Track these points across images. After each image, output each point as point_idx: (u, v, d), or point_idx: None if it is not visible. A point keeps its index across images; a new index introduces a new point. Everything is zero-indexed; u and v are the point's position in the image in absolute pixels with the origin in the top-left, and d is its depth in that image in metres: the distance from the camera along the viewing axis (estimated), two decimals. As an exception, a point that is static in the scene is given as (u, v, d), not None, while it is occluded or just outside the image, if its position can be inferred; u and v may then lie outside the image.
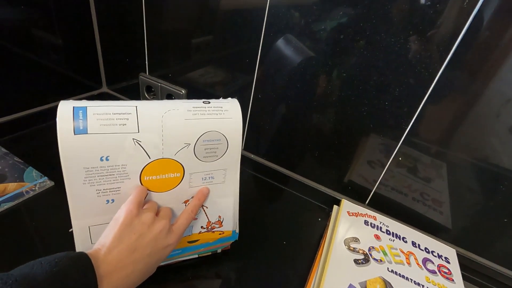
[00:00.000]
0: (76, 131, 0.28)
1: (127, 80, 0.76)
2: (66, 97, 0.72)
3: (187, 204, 0.36)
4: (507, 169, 0.43)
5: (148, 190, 0.33)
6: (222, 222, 0.39)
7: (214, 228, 0.39)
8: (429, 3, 0.39)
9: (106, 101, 0.31)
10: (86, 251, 0.27)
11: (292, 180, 0.62)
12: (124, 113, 0.30)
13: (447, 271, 0.44)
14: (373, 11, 0.42)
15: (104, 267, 0.27)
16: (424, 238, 0.49)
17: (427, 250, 0.47)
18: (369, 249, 0.45)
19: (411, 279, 0.41)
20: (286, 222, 0.52)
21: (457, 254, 0.47)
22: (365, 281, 0.40)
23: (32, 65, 0.63)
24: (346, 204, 0.53)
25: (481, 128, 0.42)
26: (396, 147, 0.49)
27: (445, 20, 0.39)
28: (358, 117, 0.50)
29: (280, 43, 0.51)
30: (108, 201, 0.32)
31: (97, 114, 0.29)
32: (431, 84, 0.42)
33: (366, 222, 0.50)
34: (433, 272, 0.43)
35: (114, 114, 0.30)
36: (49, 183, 0.49)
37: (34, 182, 0.48)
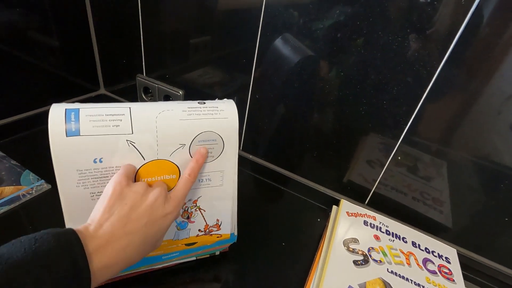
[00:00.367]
0: (69, 133, 0.28)
1: (125, 81, 0.75)
2: (64, 99, 0.72)
3: (184, 207, 0.36)
4: (508, 167, 0.42)
5: None
6: (220, 226, 0.39)
7: (212, 232, 0.39)
8: (427, 0, 0.38)
9: (99, 103, 0.31)
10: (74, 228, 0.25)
11: (291, 181, 0.62)
12: (117, 114, 0.30)
13: (447, 271, 0.43)
14: (370, 9, 0.42)
15: (94, 242, 0.25)
16: (424, 238, 0.49)
17: (427, 250, 0.46)
18: (369, 250, 0.44)
19: (411, 280, 0.41)
20: (285, 223, 0.52)
21: (458, 254, 0.47)
22: (365, 283, 0.39)
23: (29, 67, 0.63)
24: (345, 204, 0.53)
25: (482, 126, 0.42)
26: (395, 146, 0.49)
27: (443, 18, 0.38)
28: (356, 117, 0.49)
29: (278, 42, 0.51)
30: None
31: (90, 115, 0.29)
32: (429, 83, 0.42)
33: (365, 223, 0.49)
34: (433, 272, 0.43)
35: (107, 115, 0.29)
36: (46, 186, 0.49)
37: (31, 186, 0.48)
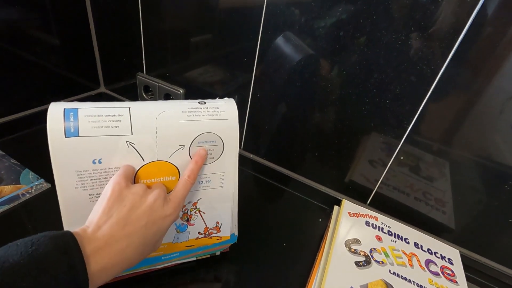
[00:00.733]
0: (67, 134, 0.27)
1: (125, 80, 0.75)
2: (64, 97, 0.72)
3: (183, 209, 0.35)
4: (511, 167, 0.42)
5: None
6: (220, 228, 0.38)
7: (211, 234, 0.38)
8: (431, -2, 0.38)
9: (99, 102, 0.30)
10: (72, 230, 0.25)
11: (292, 180, 0.61)
12: (116, 115, 0.29)
13: (450, 272, 0.43)
14: (373, 7, 0.41)
15: (92, 245, 0.24)
16: (427, 239, 0.48)
17: (430, 251, 0.46)
18: (371, 251, 0.44)
19: (414, 282, 0.40)
20: (286, 223, 0.51)
21: (461, 255, 0.46)
22: (367, 284, 0.39)
23: (29, 66, 0.62)
24: (347, 205, 0.52)
25: (484, 126, 0.41)
26: (397, 146, 0.48)
27: (448, 16, 0.38)
28: (359, 116, 0.49)
29: (279, 41, 0.50)
30: None
31: (89, 116, 0.28)
32: (433, 82, 0.41)
33: (367, 223, 0.49)
34: (436, 274, 0.42)
35: (107, 116, 0.29)
36: (45, 185, 0.48)
37: (31, 185, 0.48)
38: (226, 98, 0.37)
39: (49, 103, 0.28)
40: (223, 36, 0.56)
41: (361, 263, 0.42)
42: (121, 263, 0.26)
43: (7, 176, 0.48)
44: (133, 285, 0.37)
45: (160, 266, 0.39)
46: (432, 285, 0.40)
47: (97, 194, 0.30)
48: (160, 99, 0.69)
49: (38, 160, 0.52)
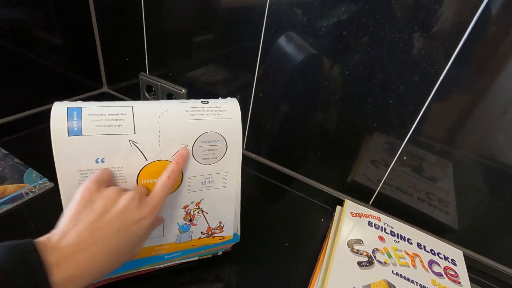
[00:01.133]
0: (71, 133, 0.27)
1: (128, 79, 0.75)
2: (67, 97, 0.72)
3: (186, 210, 0.35)
4: (515, 168, 0.41)
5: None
6: (222, 228, 0.38)
7: (214, 234, 0.38)
8: (434, -3, 0.37)
9: (102, 101, 0.30)
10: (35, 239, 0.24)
11: (294, 180, 0.61)
12: (119, 114, 0.29)
13: (453, 273, 0.43)
14: (376, 7, 0.41)
15: (56, 253, 0.23)
16: (430, 240, 0.48)
17: (433, 252, 0.45)
18: (373, 251, 0.44)
19: (417, 282, 0.40)
20: (288, 223, 0.51)
21: (464, 256, 0.46)
22: (369, 284, 0.39)
23: (32, 65, 0.63)
24: (349, 205, 0.52)
25: (488, 126, 0.41)
26: (400, 146, 0.48)
27: (451, 15, 0.37)
28: (361, 116, 0.49)
29: (281, 40, 0.50)
30: None
31: (92, 115, 0.28)
32: (437, 81, 0.41)
33: (370, 223, 0.49)
34: (439, 274, 0.42)
35: (110, 115, 0.29)
36: (49, 185, 0.49)
37: (34, 184, 0.48)
38: (228, 98, 0.37)
39: (52, 102, 0.28)
40: (226, 36, 0.56)
41: (363, 264, 0.41)
42: (90, 272, 0.24)
43: (10, 175, 0.49)
44: (135, 285, 0.38)
45: (162, 266, 0.39)
46: (435, 286, 0.40)
47: None
48: (162, 98, 0.69)
49: (42, 159, 0.52)
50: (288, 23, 0.48)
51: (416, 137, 0.46)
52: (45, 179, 0.49)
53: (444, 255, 0.45)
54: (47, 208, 0.45)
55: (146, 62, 0.68)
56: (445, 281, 0.41)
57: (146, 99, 0.72)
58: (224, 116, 0.34)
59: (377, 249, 0.44)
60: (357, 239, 0.45)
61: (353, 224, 0.48)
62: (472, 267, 0.46)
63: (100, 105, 0.30)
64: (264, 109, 0.58)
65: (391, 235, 0.47)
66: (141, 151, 0.30)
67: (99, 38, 0.72)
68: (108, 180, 0.29)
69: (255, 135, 0.62)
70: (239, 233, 0.40)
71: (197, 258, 0.41)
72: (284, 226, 0.50)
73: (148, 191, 0.31)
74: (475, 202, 0.46)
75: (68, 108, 0.28)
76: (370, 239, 0.46)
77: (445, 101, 0.42)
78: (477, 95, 0.40)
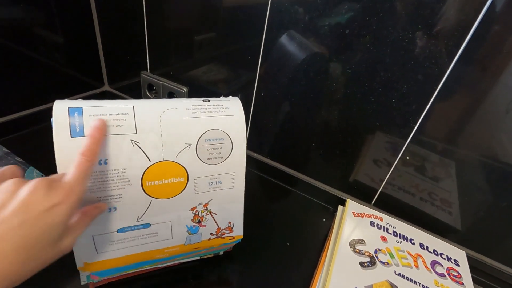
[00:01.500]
0: (73, 134, 0.27)
1: (129, 78, 0.75)
2: (68, 96, 0.72)
3: (194, 211, 0.35)
4: (518, 168, 0.41)
5: (152, 197, 0.31)
6: (232, 228, 0.38)
7: (224, 234, 0.38)
8: (439, -5, 0.37)
9: (102, 100, 0.30)
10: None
11: (296, 180, 0.61)
12: (120, 114, 0.29)
13: (456, 274, 0.42)
14: (379, 5, 0.40)
15: None
16: (433, 240, 0.48)
17: (435, 253, 0.45)
18: (375, 252, 0.43)
19: (419, 283, 0.40)
20: (290, 222, 0.51)
21: (467, 256, 0.46)
22: (371, 285, 0.38)
23: (33, 64, 0.62)
24: (352, 205, 0.52)
25: (491, 126, 0.41)
26: (403, 146, 0.47)
27: (456, 13, 0.37)
28: (364, 115, 0.48)
29: (283, 39, 0.50)
30: (110, 209, 0.30)
31: (94, 115, 0.28)
32: (440, 81, 0.41)
33: (372, 223, 0.48)
34: (442, 275, 0.42)
35: (111, 115, 0.29)
36: (50, 184, 0.48)
37: (35, 183, 0.48)
38: (230, 97, 0.36)
39: (53, 101, 0.28)
40: (227, 35, 0.55)
41: (365, 264, 0.41)
42: None
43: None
44: (136, 284, 0.37)
45: (163, 265, 0.39)
46: (438, 286, 0.40)
47: (104, 196, 0.29)
48: (164, 97, 0.69)
49: (43, 158, 0.52)
50: (290, 21, 0.48)
51: (419, 136, 0.46)
52: (46, 178, 0.49)
53: (447, 256, 0.45)
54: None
55: (147, 60, 0.68)
56: (448, 281, 0.41)
57: (147, 98, 0.72)
58: (226, 113, 0.33)
59: (379, 249, 0.44)
60: (359, 239, 0.45)
61: (355, 224, 0.48)
62: (475, 267, 0.46)
63: (101, 104, 0.29)
64: (266, 108, 0.58)
65: (394, 235, 0.47)
66: (143, 152, 0.30)
67: (100, 37, 0.72)
68: (11, 176, 0.25)
69: (257, 134, 0.62)
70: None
71: (198, 258, 0.41)
72: (286, 226, 0.50)
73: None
74: (478, 202, 0.46)
75: (69, 108, 0.28)
76: (372, 239, 0.45)
77: (448, 101, 0.42)
78: (481, 95, 0.40)
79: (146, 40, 0.65)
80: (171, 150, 0.31)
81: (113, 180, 0.29)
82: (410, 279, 0.40)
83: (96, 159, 0.28)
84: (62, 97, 0.30)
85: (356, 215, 0.50)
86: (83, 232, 0.28)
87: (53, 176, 0.26)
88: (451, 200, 0.48)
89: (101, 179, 0.29)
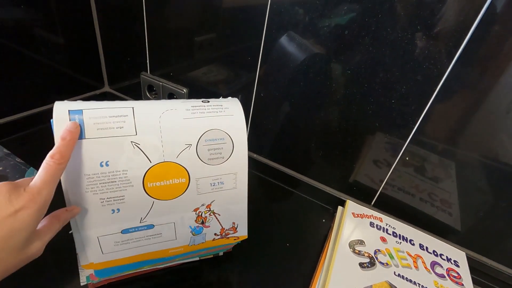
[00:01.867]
0: None
1: (129, 79, 0.75)
2: (68, 97, 0.72)
3: (197, 212, 0.35)
4: (519, 168, 0.41)
5: (154, 198, 0.31)
6: (236, 228, 0.38)
7: (228, 234, 0.38)
8: (438, -4, 0.37)
9: (102, 102, 0.30)
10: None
11: (296, 180, 0.61)
12: (120, 116, 0.29)
13: (456, 275, 0.42)
14: (378, 5, 0.40)
15: None
16: (432, 241, 0.48)
17: (435, 253, 0.45)
18: (375, 252, 0.43)
19: (419, 284, 0.40)
20: (290, 223, 0.51)
21: (467, 257, 0.46)
22: (371, 286, 0.38)
23: (34, 65, 0.63)
24: (351, 205, 0.52)
25: (491, 126, 0.41)
26: (403, 146, 0.48)
27: (455, 14, 0.37)
28: (363, 116, 0.48)
29: (283, 40, 0.50)
30: (113, 210, 0.30)
31: (93, 117, 0.28)
32: (440, 81, 0.41)
33: (371, 224, 0.48)
34: (441, 276, 0.42)
35: (111, 117, 0.29)
36: (50, 184, 0.48)
37: (35, 183, 0.48)
38: (229, 97, 0.37)
39: (53, 102, 0.28)
40: (227, 36, 0.56)
41: (365, 265, 0.41)
42: None
43: (12, 175, 0.49)
44: (136, 285, 0.37)
45: (163, 266, 0.39)
46: (438, 287, 0.40)
47: (107, 198, 0.29)
48: (163, 98, 0.69)
49: (43, 158, 0.52)
50: (290, 22, 0.48)
51: (418, 137, 0.46)
52: (46, 178, 0.49)
53: (446, 257, 0.45)
54: (49, 208, 0.45)
55: (148, 61, 0.68)
56: (448, 282, 0.41)
57: (147, 98, 0.72)
58: (226, 113, 0.33)
59: (379, 250, 0.44)
60: (358, 240, 0.45)
61: (355, 225, 0.48)
62: (475, 268, 0.46)
63: (101, 106, 0.29)
64: (266, 109, 0.58)
65: (393, 236, 0.47)
66: (144, 153, 0.30)
67: (100, 38, 0.72)
68: None
69: (257, 135, 0.62)
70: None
71: (197, 258, 0.41)
72: (285, 227, 0.50)
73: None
74: (478, 203, 0.46)
75: (69, 111, 0.28)
76: (372, 240, 0.45)
77: (448, 101, 0.42)
78: (481, 95, 0.40)
79: (146, 41, 0.65)
80: (172, 151, 0.31)
81: (115, 181, 0.29)
82: (410, 280, 0.40)
83: (66, 162, 0.26)
84: (62, 98, 0.30)
85: (356, 215, 0.50)
86: (52, 237, 0.27)
87: (20, 180, 0.26)
88: (451, 200, 0.48)
89: (103, 180, 0.29)
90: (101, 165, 0.28)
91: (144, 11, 0.61)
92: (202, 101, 0.34)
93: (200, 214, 0.35)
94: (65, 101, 0.29)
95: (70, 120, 0.27)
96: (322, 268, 0.41)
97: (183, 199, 0.33)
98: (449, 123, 0.43)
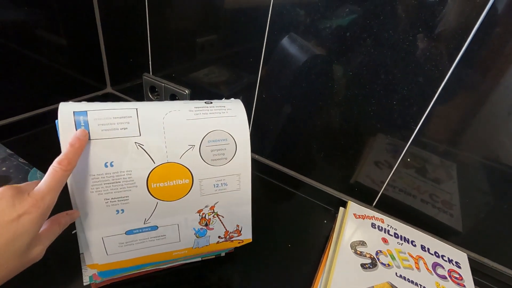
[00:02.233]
0: None
1: (131, 80, 0.75)
2: (71, 97, 0.72)
3: (201, 214, 0.35)
4: (520, 169, 0.41)
5: (157, 199, 0.32)
6: (240, 231, 0.38)
7: (232, 237, 0.38)
8: (439, -2, 0.37)
9: (106, 103, 0.30)
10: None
11: (298, 181, 0.61)
12: (124, 117, 0.29)
13: (458, 276, 0.42)
14: (380, 8, 0.41)
15: None
16: (434, 242, 0.48)
17: (437, 254, 0.45)
18: (377, 253, 0.43)
19: (421, 285, 0.40)
20: (291, 224, 0.51)
21: (469, 259, 0.46)
22: (373, 287, 0.39)
23: (36, 66, 0.63)
24: (353, 206, 0.52)
25: (493, 127, 0.41)
26: (404, 148, 0.48)
27: (457, 16, 0.37)
28: (365, 117, 0.48)
29: (285, 41, 0.50)
30: (118, 211, 0.31)
31: (98, 119, 0.29)
32: (441, 83, 0.41)
33: (373, 225, 0.49)
34: (443, 277, 0.42)
35: (115, 118, 0.29)
36: (53, 185, 0.49)
37: (38, 184, 0.48)
38: (232, 99, 0.37)
39: (56, 103, 0.28)
40: (229, 37, 0.56)
41: (367, 266, 0.41)
42: None
43: (15, 175, 0.49)
44: (137, 285, 0.38)
45: (165, 266, 0.39)
46: (439, 288, 0.40)
47: (112, 198, 0.30)
48: (166, 99, 0.70)
49: (46, 159, 0.52)
50: (292, 24, 0.48)
51: (420, 138, 0.46)
52: (49, 179, 0.50)
53: (448, 258, 0.45)
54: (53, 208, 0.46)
55: (150, 62, 0.68)
56: (449, 283, 0.41)
57: (149, 99, 0.73)
58: (229, 114, 0.33)
59: (380, 251, 0.44)
60: (360, 241, 0.45)
61: (356, 226, 0.48)
62: (476, 269, 0.46)
63: (105, 107, 0.30)
64: (267, 110, 0.58)
65: (395, 237, 0.47)
66: (148, 154, 0.30)
67: (103, 39, 0.72)
68: None
69: (258, 136, 0.62)
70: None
71: (199, 259, 0.41)
72: (287, 228, 0.50)
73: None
74: (480, 204, 0.46)
75: (74, 112, 0.28)
76: (373, 241, 0.45)
77: (449, 103, 0.42)
78: (482, 97, 0.40)
79: (148, 43, 0.65)
80: (175, 151, 0.31)
81: (119, 182, 0.29)
82: (411, 281, 0.40)
83: (73, 169, 0.27)
84: (65, 99, 0.30)
85: (357, 216, 0.50)
86: (53, 240, 0.27)
87: (25, 184, 0.26)
88: (453, 202, 0.48)
89: (108, 181, 0.29)
90: (106, 166, 0.29)
91: (147, 12, 0.62)
92: (205, 102, 0.34)
93: (203, 216, 0.35)
94: (70, 102, 0.29)
95: (75, 121, 0.28)
96: (323, 269, 0.41)
97: (187, 200, 0.33)
98: (450, 124, 0.43)
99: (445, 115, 0.43)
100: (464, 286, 0.41)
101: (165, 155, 0.31)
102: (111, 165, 0.29)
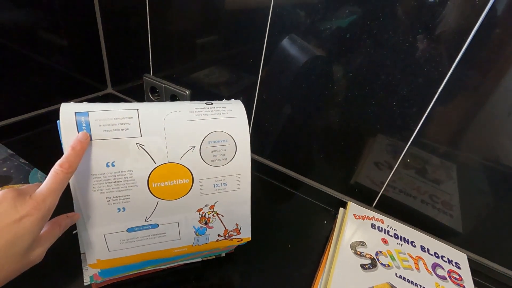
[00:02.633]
0: None
1: (132, 81, 0.76)
2: (72, 98, 0.73)
3: (201, 213, 0.35)
4: (520, 170, 0.41)
5: (158, 198, 0.32)
6: (240, 230, 0.38)
7: (232, 236, 0.38)
8: (439, -1, 0.37)
9: (107, 103, 0.31)
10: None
11: (298, 182, 0.61)
12: (125, 117, 0.30)
13: (457, 277, 0.42)
14: (380, 9, 0.41)
15: None
16: (434, 243, 0.48)
17: (436, 255, 0.45)
18: (376, 254, 0.43)
19: (420, 285, 0.40)
20: (291, 224, 0.51)
21: (468, 259, 0.46)
22: (372, 287, 0.39)
23: (38, 66, 0.63)
24: (353, 207, 0.52)
25: (492, 128, 0.41)
26: (404, 148, 0.48)
27: (456, 17, 0.37)
28: (365, 118, 0.49)
29: (285, 42, 0.50)
30: (119, 209, 0.31)
31: (100, 120, 0.29)
32: (441, 84, 0.41)
33: (373, 226, 0.49)
34: (443, 278, 0.42)
35: (116, 119, 0.29)
36: (53, 185, 0.49)
37: (39, 184, 0.48)
38: (232, 100, 0.37)
39: (57, 103, 0.29)
40: (229, 38, 0.56)
41: (366, 266, 0.41)
42: None
43: (16, 175, 0.49)
44: (138, 285, 0.38)
45: (165, 266, 0.40)
46: (439, 289, 0.40)
47: (113, 197, 0.30)
48: (166, 100, 0.70)
49: (46, 159, 0.53)
50: (292, 25, 0.48)
51: (420, 139, 0.46)
52: (50, 179, 0.50)
53: (448, 258, 0.45)
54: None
55: (150, 63, 0.68)
56: (449, 284, 0.41)
57: (150, 100, 0.73)
58: (229, 115, 0.34)
59: (380, 251, 0.44)
60: (360, 241, 0.45)
61: (356, 227, 0.48)
62: (476, 270, 0.46)
63: (106, 108, 0.30)
64: (267, 111, 0.58)
65: (395, 237, 0.47)
66: (148, 154, 0.30)
67: (104, 40, 0.72)
68: None
69: (258, 137, 0.63)
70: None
71: (200, 259, 0.42)
72: (287, 228, 0.50)
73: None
74: (480, 205, 0.46)
75: (75, 112, 0.28)
76: (373, 242, 0.45)
77: (449, 104, 0.42)
78: (482, 98, 0.40)
79: (149, 43, 0.65)
80: (176, 152, 0.31)
81: (121, 181, 0.30)
82: (411, 281, 0.40)
83: (74, 171, 0.27)
84: (65, 99, 0.31)
85: (357, 217, 0.50)
86: (53, 242, 0.27)
87: (26, 186, 0.26)
88: (452, 202, 0.48)
89: (109, 180, 0.29)
90: (107, 166, 0.29)
91: (148, 13, 0.62)
92: (206, 103, 0.34)
93: (203, 214, 0.35)
94: (71, 102, 0.29)
95: (76, 122, 0.28)
96: (323, 270, 0.41)
97: (187, 199, 0.33)
98: (450, 125, 0.44)
99: (445, 116, 0.43)
100: (464, 286, 0.41)
101: (166, 155, 0.31)
102: (113, 165, 0.29)
